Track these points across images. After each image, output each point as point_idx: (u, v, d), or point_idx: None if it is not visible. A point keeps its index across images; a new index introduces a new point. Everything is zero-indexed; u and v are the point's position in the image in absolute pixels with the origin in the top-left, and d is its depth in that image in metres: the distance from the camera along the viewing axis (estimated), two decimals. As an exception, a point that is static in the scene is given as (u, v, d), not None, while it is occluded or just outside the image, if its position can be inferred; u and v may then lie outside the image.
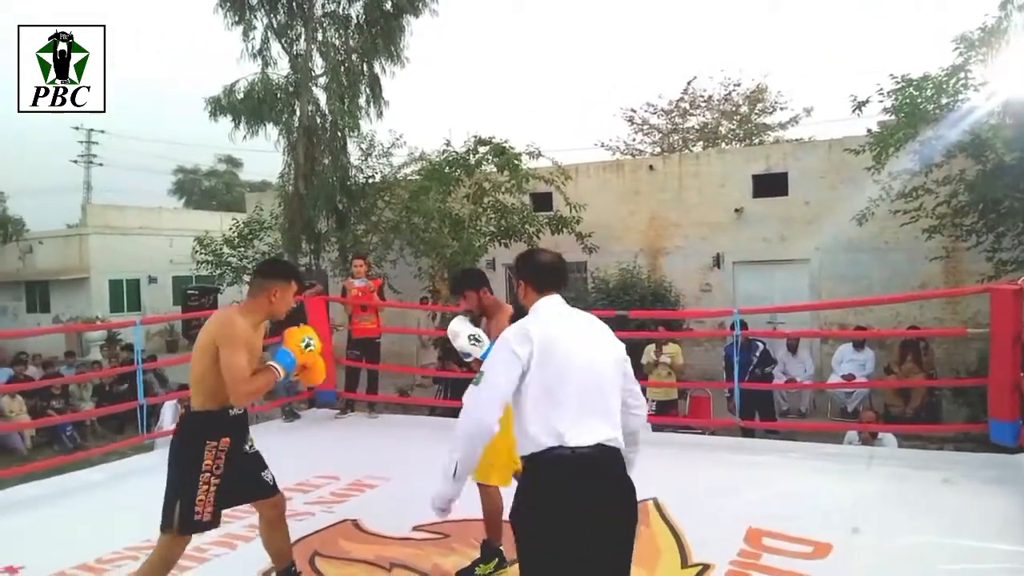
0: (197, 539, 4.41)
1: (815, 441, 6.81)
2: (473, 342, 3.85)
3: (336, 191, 13.45)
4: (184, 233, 22.25)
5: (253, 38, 13.65)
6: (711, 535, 4.20)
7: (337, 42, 13.96)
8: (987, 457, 5.57)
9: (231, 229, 15.79)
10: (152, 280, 23.61)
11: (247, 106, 13.38)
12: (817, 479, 5.38)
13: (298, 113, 13.58)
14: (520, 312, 2.94)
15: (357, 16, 13.92)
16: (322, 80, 13.71)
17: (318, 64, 13.79)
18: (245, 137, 13.73)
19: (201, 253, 15.83)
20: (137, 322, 7.20)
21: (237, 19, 13.48)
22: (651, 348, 9.04)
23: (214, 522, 3.30)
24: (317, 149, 13.51)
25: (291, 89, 13.64)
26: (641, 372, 8.73)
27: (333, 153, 13.62)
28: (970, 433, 7.41)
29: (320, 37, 13.76)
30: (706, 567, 3.86)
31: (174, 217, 26.92)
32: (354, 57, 13.92)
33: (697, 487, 5.26)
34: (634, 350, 9.21)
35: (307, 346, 3.39)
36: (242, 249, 15.37)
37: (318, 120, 13.63)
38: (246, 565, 4.01)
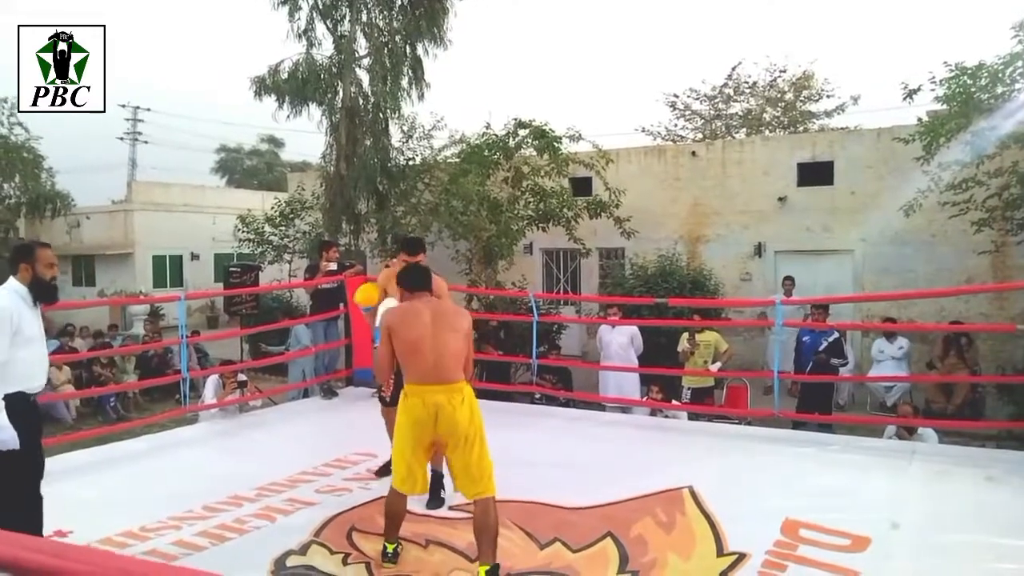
0: (238, 511, 4.55)
1: (854, 435, 6.73)
2: None
3: (377, 172, 13.50)
4: (226, 211, 22.50)
5: (298, 18, 13.70)
6: (747, 525, 4.18)
7: (381, 23, 13.96)
8: (1032, 455, 5.48)
9: (272, 208, 15.94)
10: (195, 257, 23.92)
11: (291, 86, 13.47)
12: (857, 473, 5.31)
13: (341, 94, 13.63)
14: None
15: (402, -3, 13.93)
16: (365, 62, 13.74)
17: (362, 45, 13.81)
18: (288, 117, 13.82)
19: (243, 231, 16.01)
20: (182, 297, 7.35)
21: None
22: (685, 336, 8.89)
23: None
24: (359, 130, 13.56)
25: (335, 70, 13.69)
26: (677, 360, 8.67)
27: (375, 135, 13.67)
28: (1014, 431, 7.28)
29: (364, 18, 13.76)
30: (742, 556, 3.84)
31: (217, 195, 27.21)
32: (397, 39, 13.91)
33: (733, 477, 5.23)
34: (672, 337, 9.20)
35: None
36: (283, 228, 15.52)
37: (360, 101, 13.67)
38: (285, 537, 4.10)
